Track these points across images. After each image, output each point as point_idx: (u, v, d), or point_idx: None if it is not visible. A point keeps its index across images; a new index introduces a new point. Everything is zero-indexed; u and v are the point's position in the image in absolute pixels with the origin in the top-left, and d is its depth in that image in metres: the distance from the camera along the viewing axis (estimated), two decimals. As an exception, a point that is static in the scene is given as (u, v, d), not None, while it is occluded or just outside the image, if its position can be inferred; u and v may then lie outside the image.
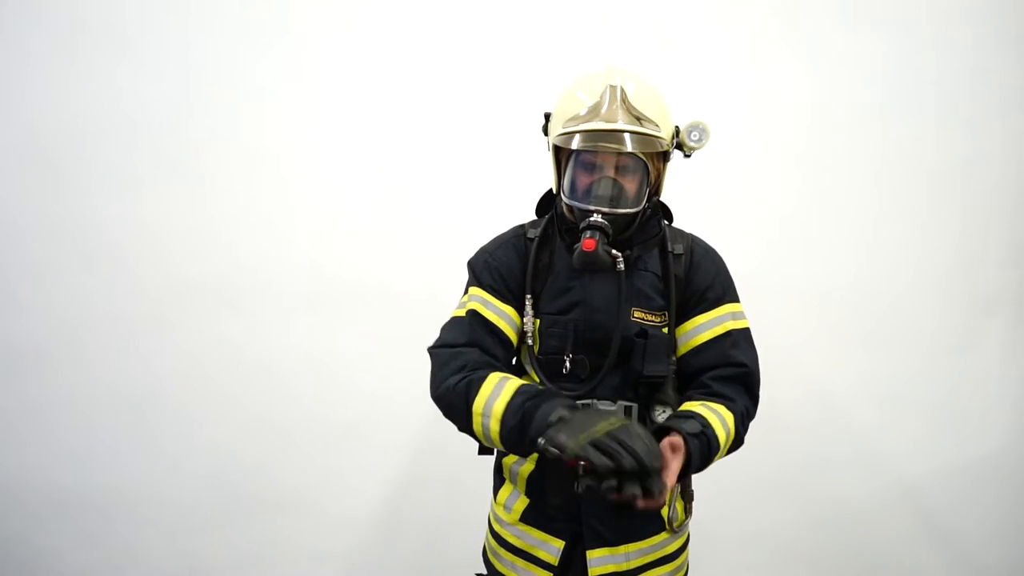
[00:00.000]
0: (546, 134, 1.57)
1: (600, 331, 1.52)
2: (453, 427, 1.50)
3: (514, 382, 1.44)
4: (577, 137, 1.44)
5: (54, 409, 2.59)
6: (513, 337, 1.57)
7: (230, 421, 2.61)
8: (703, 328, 1.57)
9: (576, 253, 1.44)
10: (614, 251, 1.45)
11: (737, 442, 1.52)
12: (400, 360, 2.59)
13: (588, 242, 1.41)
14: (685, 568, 1.68)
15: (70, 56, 2.52)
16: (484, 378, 1.44)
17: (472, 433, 1.47)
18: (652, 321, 1.54)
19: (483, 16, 2.59)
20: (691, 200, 2.64)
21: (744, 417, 1.53)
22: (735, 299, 1.62)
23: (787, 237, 2.64)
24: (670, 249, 1.58)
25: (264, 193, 2.59)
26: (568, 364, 1.53)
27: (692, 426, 1.38)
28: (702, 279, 1.58)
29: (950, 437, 2.71)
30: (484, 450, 1.72)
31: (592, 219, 1.43)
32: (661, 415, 1.52)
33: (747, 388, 1.56)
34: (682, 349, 1.58)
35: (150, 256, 2.57)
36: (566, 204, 1.51)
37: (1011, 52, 2.63)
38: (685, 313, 1.57)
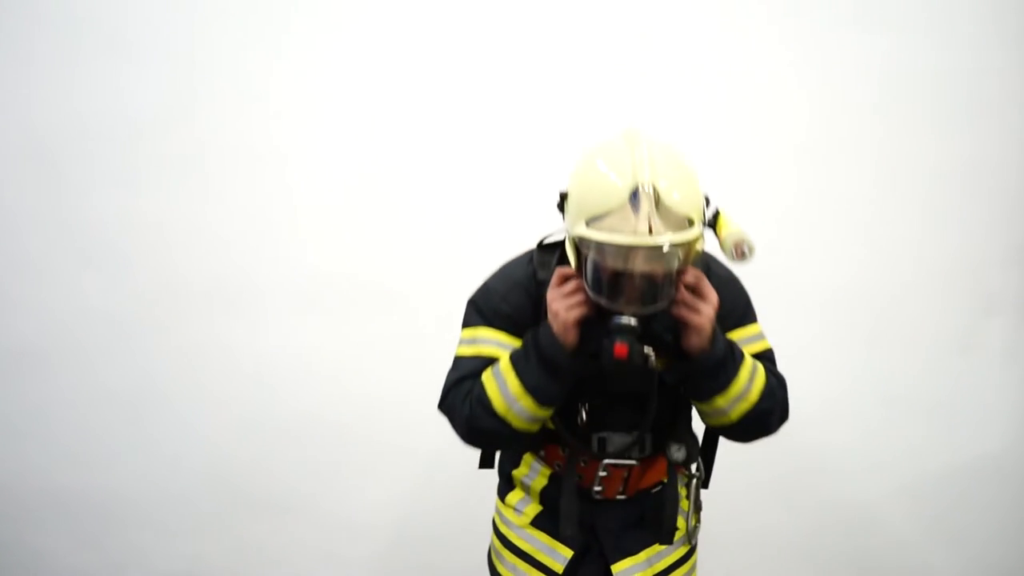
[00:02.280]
0: (561, 210, 1.43)
1: (619, 385, 1.44)
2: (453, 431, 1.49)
3: (503, 360, 1.39)
4: (604, 248, 1.26)
5: (54, 409, 2.58)
6: None
7: (230, 422, 2.61)
8: None
9: (604, 357, 1.28)
10: (647, 349, 1.30)
11: (769, 395, 1.44)
12: (401, 361, 2.59)
13: (620, 348, 1.26)
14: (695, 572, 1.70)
15: (70, 55, 2.52)
16: (482, 384, 1.40)
17: (521, 434, 1.40)
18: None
19: (486, 15, 2.58)
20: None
21: (780, 384, 1.50)
22: (754, 320, 1.56)
23: (786, 237, 2.63)
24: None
25: (264, 194, 2.58)
26: (584, 414, 1.48)
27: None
28: (723, 295, 1.42)
29: (951, 437, 2.71)
30: (485, 463, 1.71)
31: (622, 321, 1.27)
32: (677, 452, 1.51)
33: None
34: None
35: (150, 256, 2.57)
36: (591, 298, 1.33)
37: (1011, 51, 2.63)
38: None
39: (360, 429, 2.62)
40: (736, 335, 1.50)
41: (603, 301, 1.30)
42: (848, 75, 2.62)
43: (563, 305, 1.32)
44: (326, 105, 2.58)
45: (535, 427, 1.42)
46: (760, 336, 1.57)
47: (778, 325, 2.58)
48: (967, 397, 2.70)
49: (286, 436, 2.62)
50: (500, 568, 1.65)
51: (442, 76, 2.59)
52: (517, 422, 1.38)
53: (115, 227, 2.56)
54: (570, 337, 1.33)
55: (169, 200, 2.56)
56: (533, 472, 1.60)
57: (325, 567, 2.65)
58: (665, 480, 1.58)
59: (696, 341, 1.35)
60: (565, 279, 1.36)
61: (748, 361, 1.42)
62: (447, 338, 2.57)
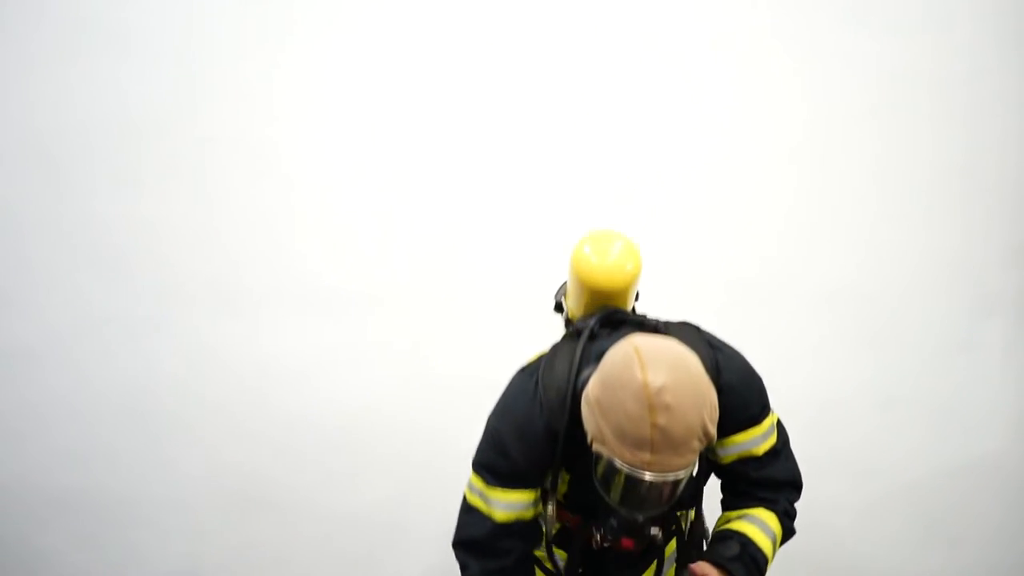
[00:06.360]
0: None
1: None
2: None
3: None
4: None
5: (54, 410, 2.59)
6: (533, 512, 1.51)
7: (229, 423, 2.61)
8: (743, 446, 1.49)
9: (612, 544, 1.39)
10: (654, 531, 1.39)
11: (787, 535, 1.53)
12: (399, 363, 2.59)
13: (627, 542, 1.37)
14: None
15: (71, 56, 2.52)
16: None
17: None
18: None
19: (487, 20, 2.58)
20: (691, 204, 2.66)
21: (787, 514, 1.52)
22: (769, 408, 1.53)
23: (787, 239, 2.63)
24: None
25: (264, 195, 2.58)
26: (598, 537, 1.47)
27: (731, 548, 1.40)
28: (736, 401, 1.43)
29: (951, 437, 2.71)
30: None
31: (631, 518, 1.34)
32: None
33: (791, 486, 1.56)
34: (725, 459, 1.52)
35: (149, 257, 2.57)
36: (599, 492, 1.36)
37: (1010, 52, 2.63)
38: (723, 433, 1.43)
39: (356, 431, 2.62)
40: (750, 434, 1.49)
41: (613, 501, 1.32)
42: (847, 77, 2.62)
43: None
44: (326, 107, 2.58)
45: None
46: (772, 429, 1.53)
47: (780, 327, 2.60)
48: (967, 397, 2.70)
49: (284, 437, 2.62)
50: None
51: (442, 81, 2.59)
52: None
53: (115, 228, 2.56)
54: None
55: (169, 202, 2.56)
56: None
57: (323, 567, 2.65)
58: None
59: None
60: None
61: (766, 547, 1.48)
62: (442, 344, 2.60)
